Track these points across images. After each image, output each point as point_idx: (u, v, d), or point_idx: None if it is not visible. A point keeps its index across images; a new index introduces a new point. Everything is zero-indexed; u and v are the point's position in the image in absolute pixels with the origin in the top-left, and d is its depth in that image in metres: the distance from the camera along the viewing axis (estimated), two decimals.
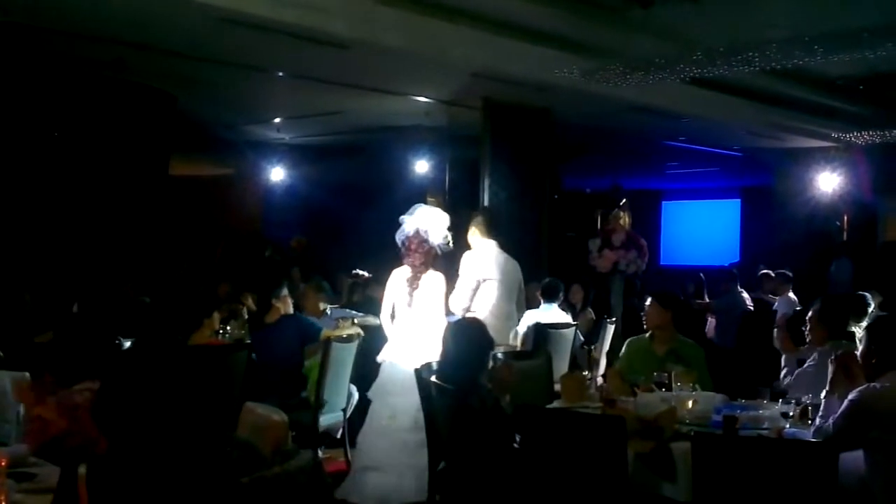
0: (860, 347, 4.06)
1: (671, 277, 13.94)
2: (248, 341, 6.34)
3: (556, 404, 4.89)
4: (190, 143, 11.84)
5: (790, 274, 10.18)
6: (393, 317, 5.88)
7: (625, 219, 9.63)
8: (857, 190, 13.16)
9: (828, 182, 13.16)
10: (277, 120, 12.34)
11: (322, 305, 7.38)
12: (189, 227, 12.91)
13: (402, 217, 5.84)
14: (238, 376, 4.04)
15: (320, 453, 6.22)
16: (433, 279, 5.74)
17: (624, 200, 10.41)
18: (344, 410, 6.38)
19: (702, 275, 11.67)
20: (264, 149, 14.29)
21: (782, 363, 6.32)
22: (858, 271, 12.13)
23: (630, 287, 10.05)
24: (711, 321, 10.68)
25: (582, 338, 8.20)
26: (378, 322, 6.21)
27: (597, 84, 8.68)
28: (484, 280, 6.19)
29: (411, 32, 7.36)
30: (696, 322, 10.32)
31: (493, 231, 6.36)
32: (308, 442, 5.83)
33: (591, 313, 9.41)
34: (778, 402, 4.31)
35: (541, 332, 7.49)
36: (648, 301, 5.57)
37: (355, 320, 7.20)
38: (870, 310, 6.79)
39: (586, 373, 5.41)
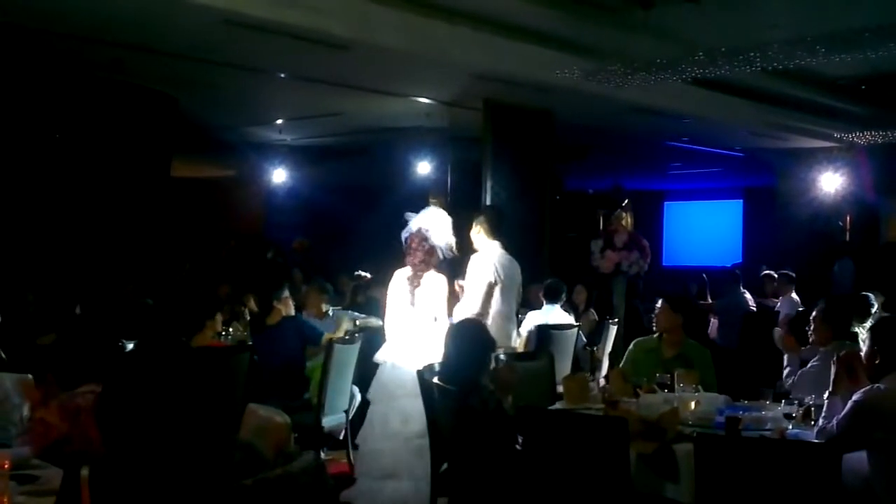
0: (863, 348, 4.05)
1: (673, 278, 13.92)
2: (250, 343, 6.35)
3: (558, 405, 4.88)
4: (191, 145, 11.84)
5: (793, 274, 10.15)
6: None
7: (627, 219, 9.63)
8: (859, 190, 13.15)
9: (830, 182, 13.16)
10: (279, 121, 12.33)
11: (324, 307, 7.40)
12: (191, 229, 12.93)
13: (407, 214, 5.80)
14: (241, 378, 4.04)
15: (323, 455, 6.22)
16: (435, 280, 5.72)
17: (626, 201, 10.43)
18: (346, 412, 6.37)
19: (704, 275, 11.68)
20: (266, 150, 14.26)
21: (784, 363, 6.31)
22: (861, 272, 12.11)
23: (632, 288, 10.03)
24: (714, 322, 10.66)
25: (584, 339, 8.20)
26: (380, 323, 6.19)
27: (598, 85, 8.68)
28: (495, 283, 6.04)
29: (412, 33, 7.37)
30: (699, 323, 10.31)
31: (497, 231, 6.25)
32: (311, 444, 5.81)
33: (593, 314, 9.40)
34: (781, 402, 4.29)
35: (543, 333, 7.48)
36: (659, 303, 5.47)
37: (357, 322, 7.21)
38: (873, 310, 6.78)
39: (589, 374, 5.39)
